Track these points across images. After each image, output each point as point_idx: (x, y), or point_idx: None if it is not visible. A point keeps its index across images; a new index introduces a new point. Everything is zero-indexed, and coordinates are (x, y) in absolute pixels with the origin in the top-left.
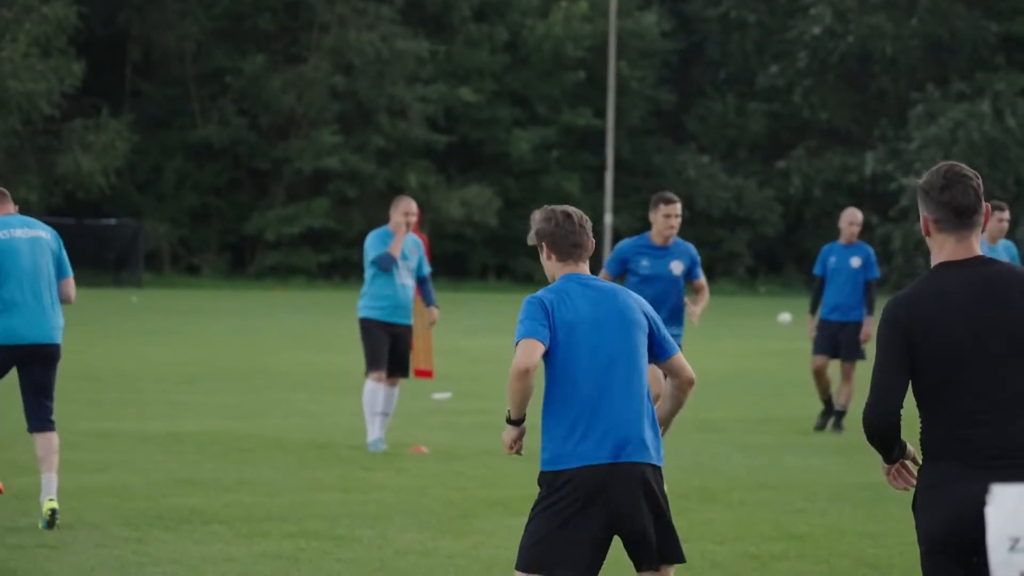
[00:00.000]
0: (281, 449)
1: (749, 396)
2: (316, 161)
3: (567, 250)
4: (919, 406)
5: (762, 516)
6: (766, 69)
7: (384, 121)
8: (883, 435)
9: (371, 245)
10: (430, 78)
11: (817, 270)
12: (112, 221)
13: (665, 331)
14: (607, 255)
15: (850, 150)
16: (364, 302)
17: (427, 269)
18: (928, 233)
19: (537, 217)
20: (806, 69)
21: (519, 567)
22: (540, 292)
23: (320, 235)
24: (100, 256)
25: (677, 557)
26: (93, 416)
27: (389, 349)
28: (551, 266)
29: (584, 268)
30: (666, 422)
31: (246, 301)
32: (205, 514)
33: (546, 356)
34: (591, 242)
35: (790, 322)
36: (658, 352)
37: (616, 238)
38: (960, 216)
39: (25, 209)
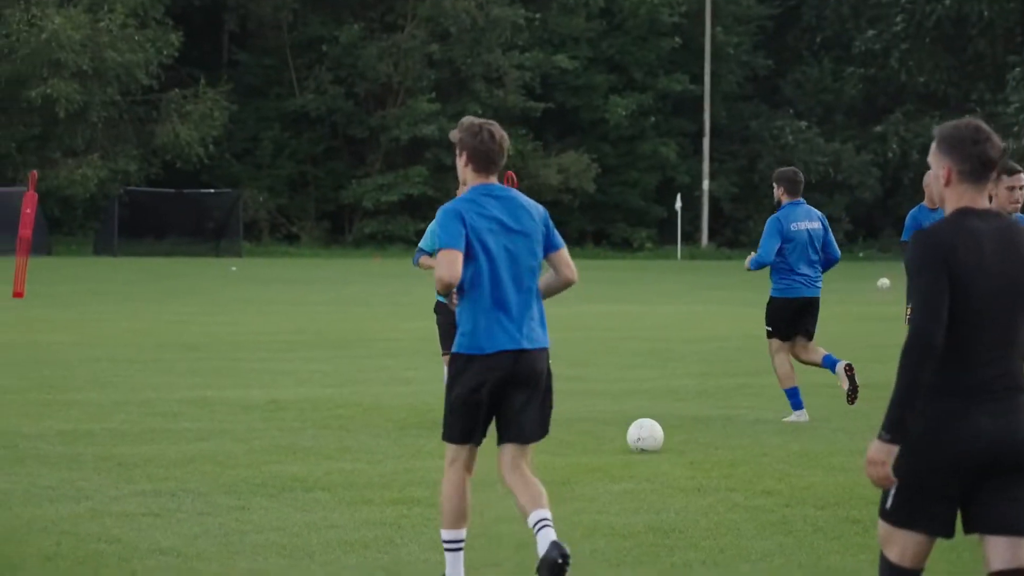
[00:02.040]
0: (381, 416)
1: (849, 359)
2: (413, 129)
3: (484, 164)
4: None
5: (864, 480)
6: (862, 33)
7: (480, 89)
8: (930, 354)
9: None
10: (526, 45)
11: (906, 237)
12: (210, 190)
13: (554, 230)
14: (705, 221)
15: (947, 114)
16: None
17: None
18: (948, 184)
19: (465, 127)
20: (902, 33)
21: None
22: (455, 201)
23: (418, 202)
24: (199, 226)
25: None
26: (193, 385)
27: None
28: (467, 173)
29: (494, 180)
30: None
31: (344, 269)
32: (307, 481)
33: (464, 260)
34: (504, 158)
35: (889, 287)
36: (547, 246)
37: (713, 203)
38: (986, 169)
39: (125, 179)
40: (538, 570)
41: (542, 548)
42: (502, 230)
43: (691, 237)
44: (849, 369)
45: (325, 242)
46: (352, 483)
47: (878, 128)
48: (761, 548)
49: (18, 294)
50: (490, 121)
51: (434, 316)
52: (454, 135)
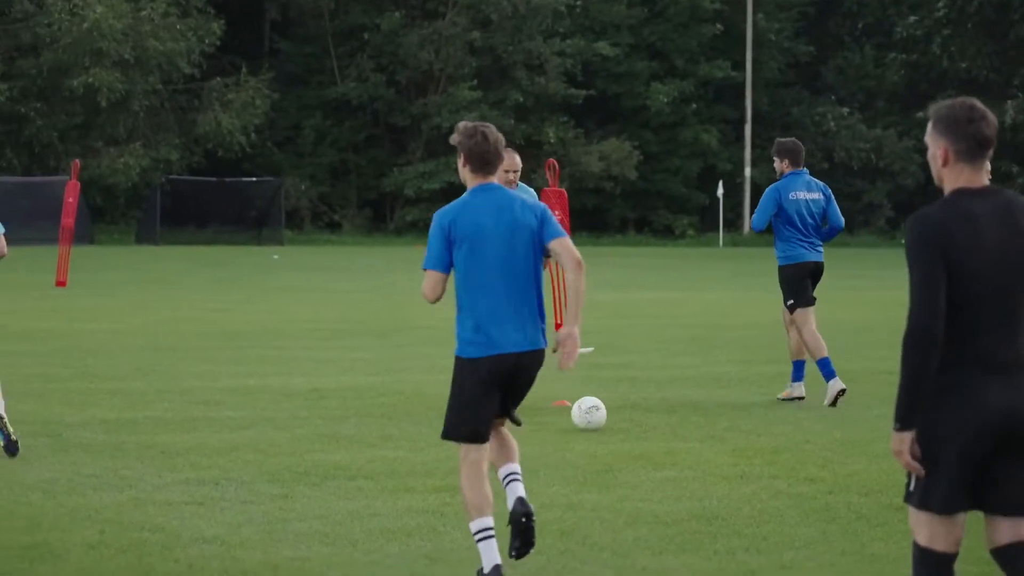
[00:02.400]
0: (423, 404)
1: (889, 347)
2: (454, 116)
3: (481, 165)
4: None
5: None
6: (904, 19)
7: (522, 76)
8: (932, 344)
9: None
10: (567, 32)
11: None
12: (252, 179)
13: (554, 222)
14: (748, 208)
15: (989, 100)
16: None
17: None
18: (945, 164)
19: (461, 130)
20: (944, 18)
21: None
22: (446, 209)
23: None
24: (241, 214)
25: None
26: (236, 373)
27: None
28: (466, 174)
29: (492, 179)
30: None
31: (386, 257)
32: (350, 469)
33: (459, 263)
34: (501, 159)
35: None
36: (548, 237)
37: (755, 190)
38: (982, 147)
39: (167, 168)
40: (509, 522)
41: (509, 501)
42: (497, 230)
43: (733, 224)
44: (842, 393)
45: (367, 230)
46: (394, 471)
47: (920, 114)
48: (804, 535)
49: (61, 283)
50: (486, 124)
51: None
52: (454, 139)
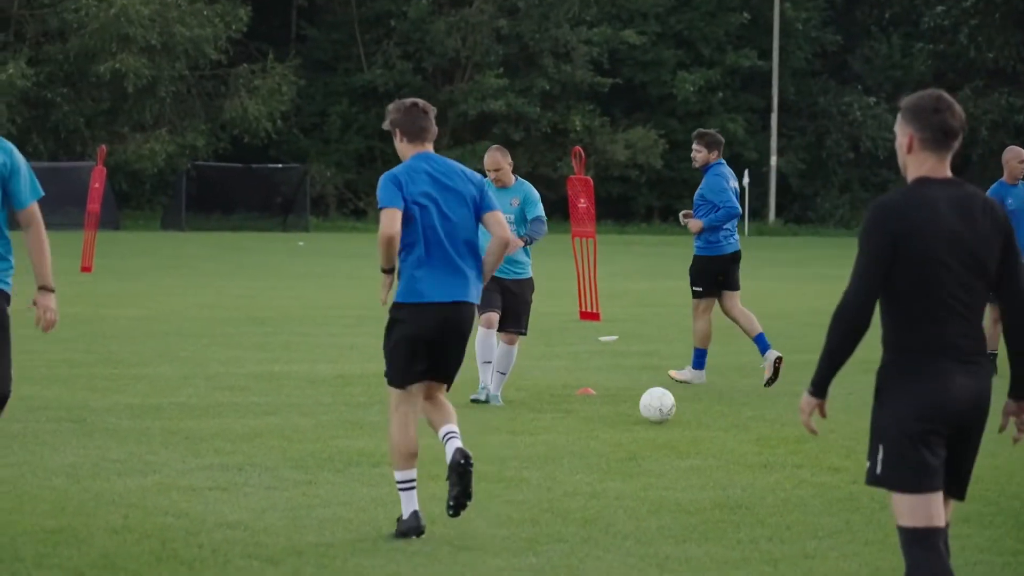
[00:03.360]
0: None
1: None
2: (481, 104)
3: (415, 133)
4: (891, 305)
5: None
6: (931, 9)
7: (548, 64)
8: (855, 329)
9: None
10: (594, 20)
11: None
12: (278, 166)
13: (490, 195)
14: (772, 197)
15: (1017, 90)
16: None
17: (533, 213)
18: (909, 151)
19: (390, 109)
20: (972, 8)
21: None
22: (394, 171)
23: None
24: (267, 201)
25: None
26: (261, 359)
27: (502, 303)
28: (403, 147)
29: (429, 148)
30: (487, 274)
31: None
32: (374, 456)
33: (404, 219)
34: (434, 127)
35: None
36: (482, 208)
37: (781, 179)
38: (947, 137)
39: (193, 154)
40: (448, 475)
41: (448, 455)
42: (438, 191)
43: (759, 213)
44: (779, 361)
45: None
46: (418, 458)
47: None
48: (828, 525)
49: (86, 268)
50: (414, 98)
51: None
52: (386, 124)
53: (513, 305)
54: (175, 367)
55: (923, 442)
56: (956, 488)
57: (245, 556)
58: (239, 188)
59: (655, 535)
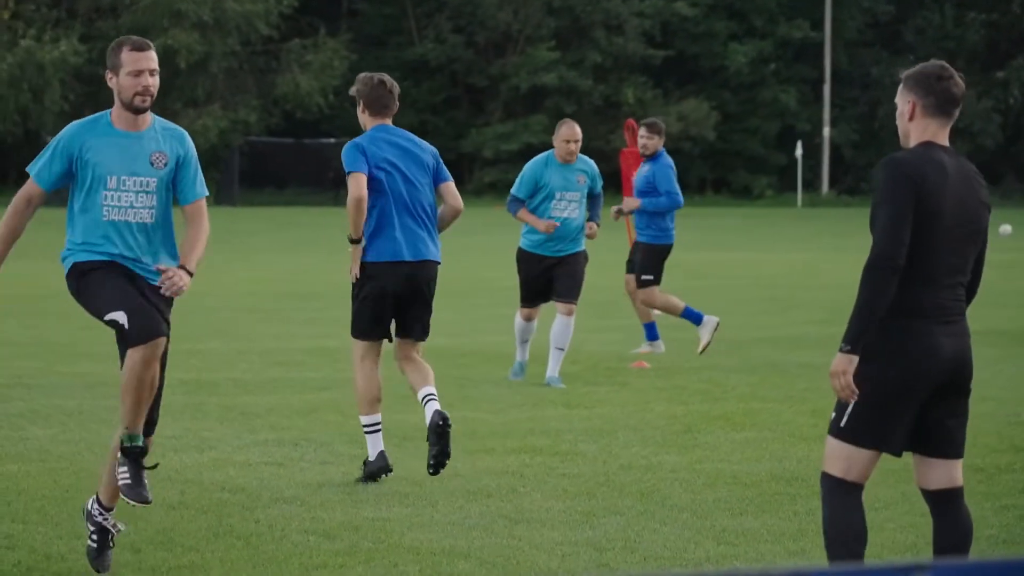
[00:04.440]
0: (503, 365)
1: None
2: (533, 78)
3: (379, 109)
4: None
5: (986, 428)
6: None
7: (600, 36)
8: (888, 281)
9: (527, 174)
10: None
11: None
12: (330, 140)
13: (443, 166)
14: (826, 168)
15: None
16: (523, 230)
17: (599, 187)
18: (912, 118)
19: (359, 79)
20: None
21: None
22: (356, 140)
23: (538, 151)
24: (319, 175)
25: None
26: (314, 335)
27: (548, 279)
28: (364, 118)
29: (389, 122)
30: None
31: (465, 217)
32: None
33: (368, 184)
34: (396, 105)
35: (1011, 233)
36: (436, 179)
37: (834, 150)
38: (949, 104)
39: (245, 129)
40: (428, 436)
41: (428, 416)
42: (399, 157)
43: (811, 184)
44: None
45: None
46: (474, 432)
47: (1000, 74)
48: (885, 496)
49: None
50: (382, 74)
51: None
52: (353, 90)
53: (566, 275)
54: (228, 342)
55: (894, 406)
56: (950, 447)
57: (301, 531)
58: (291, 163)
59: (711, 507)
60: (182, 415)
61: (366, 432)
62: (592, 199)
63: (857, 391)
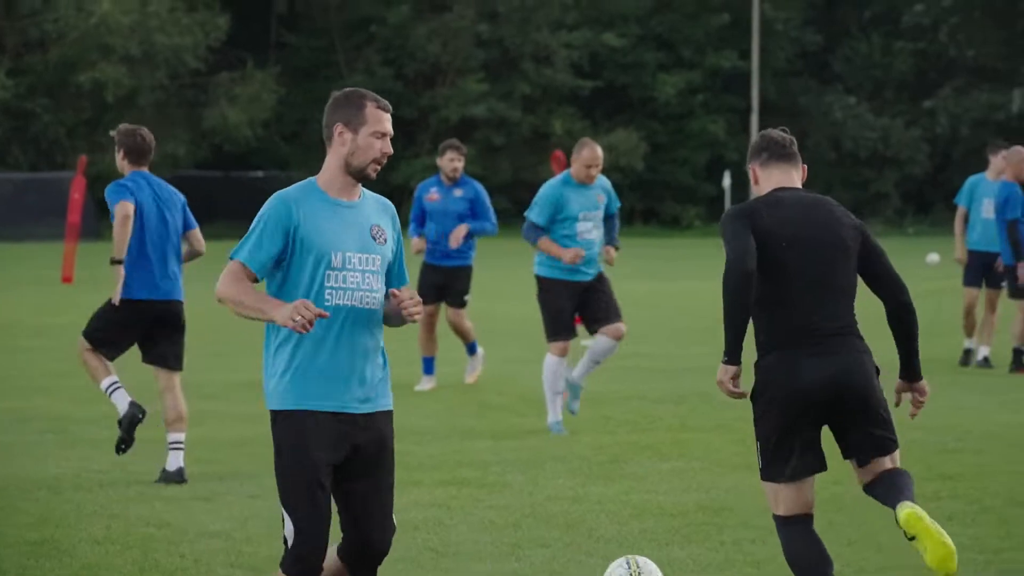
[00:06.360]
0: (431, 397)
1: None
2: (462, 109)
3: (137, 157)
4: (761, 309)
5: (914, 457)
6: (911, 7)
7: (529, 68)
8: (743, 285)
9: (546, 198)
10: (575, 24)
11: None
12: (259, 173)
13: (189, 213)
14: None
15: (997, 88)
16: (541, 256)
17: (616, 206)
18: (757, 181)
19: (120, 130)
20: (952, 7)
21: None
22: (122, 181)
23: None
24: (248, 209)
25: None
26: (244, 367)
27: (582, 305)
28: (124, 164)
29: (145, 169)
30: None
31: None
32: None
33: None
34: (152, 154)
35: (939, 262)
36: (185, 226)
37: None
38: (779, 148)
39: (173, 163)
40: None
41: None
42: (153, 203)
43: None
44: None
45: None
46: (402, 464)
47: (928, 103)
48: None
49: (67, 279)
50: (141, 127)
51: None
52: (113, 135)
53: (603, 298)
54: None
55: (785, 437)
56: (874, 450)
57: (227, 565)
58: (221, 196)
59: (638, 538)
60: (108, 450)
61: (109, 393)
62: (608, 220)
63: (744, 394)
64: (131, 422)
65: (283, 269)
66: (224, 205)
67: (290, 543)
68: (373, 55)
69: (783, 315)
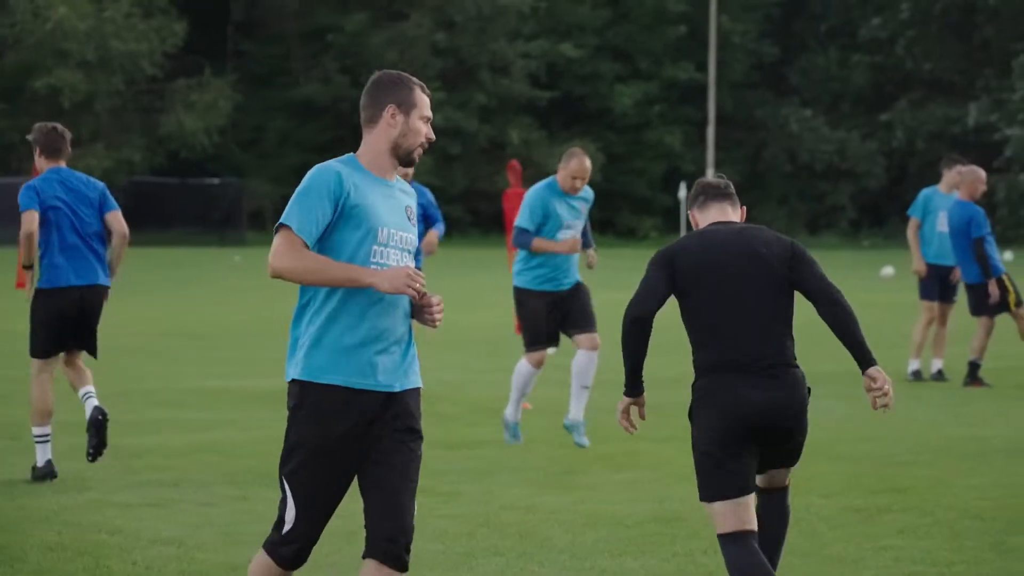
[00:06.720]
0: None
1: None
2: None
3: (52, 152)
4: (694, 336)
5: (867, 469)
6: (868, 21)
7: (486, 78)
8: (637, 335)
9: (535, 204)
10: (532, 34)
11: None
12: (215, 180)
13: (110, 198)
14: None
15: (953, 101)
16: (519, 267)
17: (588, 213)
18: (696, 225)
19: (35, 129)
20: (909, 20)
21: None
22: (33, 181)
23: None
24: (204, 215)
25: None
26: (198, 375)
27: (560, 315)
28: (41, 161)
29: (62, 164)
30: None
31: None
32: None
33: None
34: (69, 149)
35: (893, 275)
36: (104, 209)
37: None
38: (711, 190)
39: (129, 169)
40: (87, 428)
41: (88, 411)
42: (66, 195)
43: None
44: None
45: None
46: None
47: (884, 116)
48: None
49: (21, 285)
50: (55, 123)
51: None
52: (30, 137)
53: (580, 307)
54: (112, 382)
55: (720, 457)
56: (779, 463)
57: (179, 573)
58: (176, 203)
59: (591, 549)
60: (62, 456)
61: (37, 442)
62: (585, 227)
63: (635, 428)
64: (42, 478)
65: (326, 240)
66: (180, 212)
67: (286, 526)
68: (330, 63)
69: (715, 344)
